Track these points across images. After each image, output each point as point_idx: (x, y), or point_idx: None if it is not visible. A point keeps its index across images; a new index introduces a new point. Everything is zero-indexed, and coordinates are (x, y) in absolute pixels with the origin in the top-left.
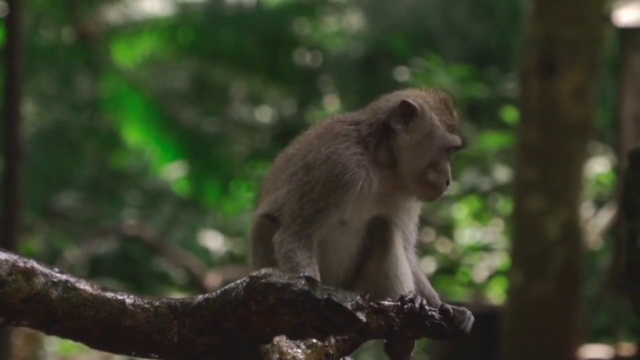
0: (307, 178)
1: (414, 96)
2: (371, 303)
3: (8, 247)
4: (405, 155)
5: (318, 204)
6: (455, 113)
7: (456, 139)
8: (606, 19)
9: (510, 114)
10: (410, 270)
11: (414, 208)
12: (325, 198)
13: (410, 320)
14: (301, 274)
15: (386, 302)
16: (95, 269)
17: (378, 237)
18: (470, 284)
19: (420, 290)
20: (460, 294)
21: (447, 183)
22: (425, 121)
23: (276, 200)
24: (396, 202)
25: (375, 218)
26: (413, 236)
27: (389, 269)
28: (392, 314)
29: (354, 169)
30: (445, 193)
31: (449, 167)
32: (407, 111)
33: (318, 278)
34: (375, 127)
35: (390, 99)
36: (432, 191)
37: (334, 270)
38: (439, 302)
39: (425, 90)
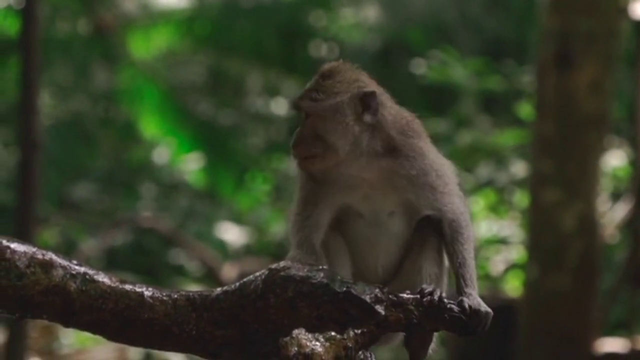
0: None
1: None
2: (390, 296)
3: (24, 239)
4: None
5: (301, 209)
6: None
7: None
8: (622, 11)
9: (526, 107)
10: (444, 271)
11: (430, 172)
12: (304, 201)
13: (429, 313)
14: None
15: (405, 295)
16: (110, 261)
17: (416, 235)
18: (487, 277)
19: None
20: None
21: None
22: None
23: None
24: (404, 182)
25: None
26: (448, 191)
27: (422, 266)
28: (411, 307)
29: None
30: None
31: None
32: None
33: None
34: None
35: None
36: None
37: (372, 266)
38: (475, 285)
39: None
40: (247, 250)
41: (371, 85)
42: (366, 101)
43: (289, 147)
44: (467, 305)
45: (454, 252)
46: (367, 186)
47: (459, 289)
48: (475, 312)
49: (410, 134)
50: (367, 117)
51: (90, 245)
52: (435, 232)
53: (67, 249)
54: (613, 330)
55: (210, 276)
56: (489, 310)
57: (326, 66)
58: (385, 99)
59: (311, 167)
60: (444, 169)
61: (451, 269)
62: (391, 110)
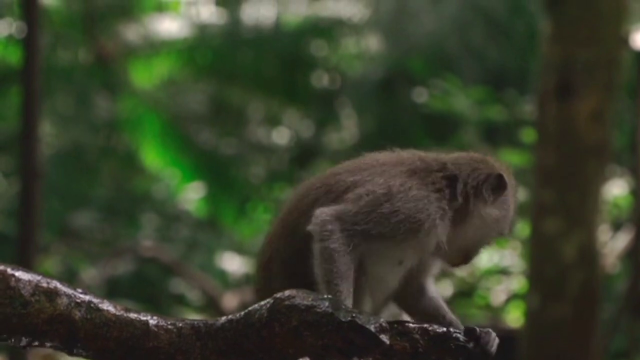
0: (387, 202)
1: (505, 171)
2: (395, 325)
3: (25, 267)
4: (478, 224)
5: (384, 229)
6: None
7: (508, 230)
8: (624, 41)
9: (527, 136)
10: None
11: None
12: (394, 231)
13: (435, 342)
14: (335, 285)
15: (410, 324)
16: (112, 290)
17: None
18: (488, 307)
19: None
20: (478, 317)
21: (470, 262)
22: (506, 203)
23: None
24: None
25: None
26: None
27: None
28: (417, 336)
29: (436, 222)
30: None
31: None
32: (498, 185)
33: (351, 296)
34: (469, 188)
35: (483, 163)
36: (461, 262)
37: (376, 300)
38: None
39: (505, 168)
40: (248, 280)
41: None
42: None
43: (471, 261)
44: (476, 329)
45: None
46: None
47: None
48: (486, 332)
49: None
50: None
51: (91, 274)
52: None
53: (68, 278)
54: (614, 359)
55: (211, 305)
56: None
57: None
58: None
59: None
60: None
61: (439, 312)
62: None
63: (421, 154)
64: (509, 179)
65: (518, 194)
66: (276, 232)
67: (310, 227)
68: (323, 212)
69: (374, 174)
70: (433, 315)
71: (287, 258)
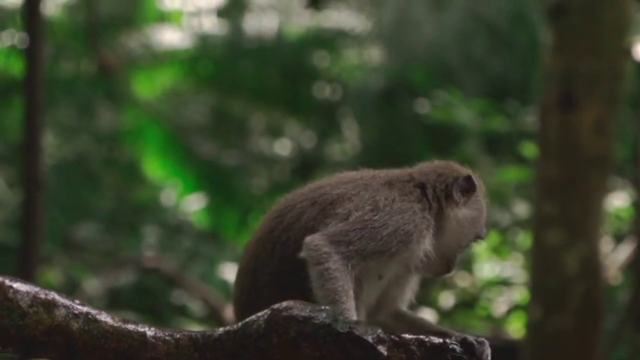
0: (375, 217)
1: (472, 173)
2: (392, 336)
3: (27, 278)
4: (455, 228)
5: (376, 244)
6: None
7: (485, 232)
8: (626, 53)
9: (529, 148)
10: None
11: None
12: (387, 244)
13: (432, 354)
14: (342, 303)
15: (407, 335)
16: (113, 301)
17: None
18: (490, 318)
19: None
20: (480, 328)
21: (453, 269)
22: (478, 203)
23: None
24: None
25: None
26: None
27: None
28: (414, 347)
29: (423, 232)
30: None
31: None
32: (467, 187)
33: (355, 312)
34: (439, 193)
35: (448, 168)
36: (444, 270)
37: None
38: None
39: (472, 171)
40: None
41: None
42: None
43: (453, 267)
44: (471, 339)
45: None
46: None
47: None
48: (480, 342)
49: None
50: None
51: (93, 285)
52: None
53: (70, 289)
54: None
55: (213, 316)
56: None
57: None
58: None
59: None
60: None
61: (426, 323)
62: None
63: (384, 170)
64: (477, 180)
65: (487, 197)
66: (260, 246)
67: (303, 254)
68: (315, 239)
69: (358, 187)
70: (419, 326)
71: (275, 270)
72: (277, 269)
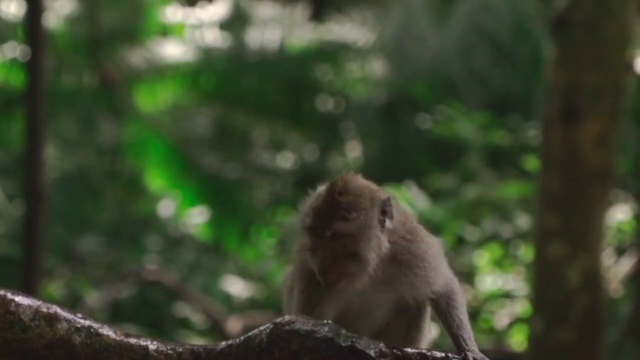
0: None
1: None
2: (394, 350)
3: (29, 291)
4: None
5: (302, 307)
6: None
7: None
8: (628, 66)
9: (531, 162)
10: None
11: (419, 273)
12: (305, 302)
13: None
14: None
15: (409, 350)
16: (115, 314)
17: (409, 319)
18: (491, 331)
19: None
20: (481, 340)
21: None
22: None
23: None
24: (396, 281)
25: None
26: (440, 271)
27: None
28: None
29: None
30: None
31: None
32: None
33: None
34: None
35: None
36: None
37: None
38: (474, 342)
39: None
40: (252, 304)
41: (379, 189)
42: (385, 207)
43: (309, 226)
44: (471, 358)
45: (450, 316)
46: (369, 286)
47: (460, 349)
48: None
49: (409, 236)
50: (388, 223)
51: (95, 298)
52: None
53: (72, 302)
54: None
55: (215, 329)
56: None
57: (337, 182)
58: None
59: (348, 287)
60: (436, 258)
61: (447, 332)
62: (396, 210)
63: None
64: None
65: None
66: None
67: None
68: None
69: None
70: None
71: None
72: None
